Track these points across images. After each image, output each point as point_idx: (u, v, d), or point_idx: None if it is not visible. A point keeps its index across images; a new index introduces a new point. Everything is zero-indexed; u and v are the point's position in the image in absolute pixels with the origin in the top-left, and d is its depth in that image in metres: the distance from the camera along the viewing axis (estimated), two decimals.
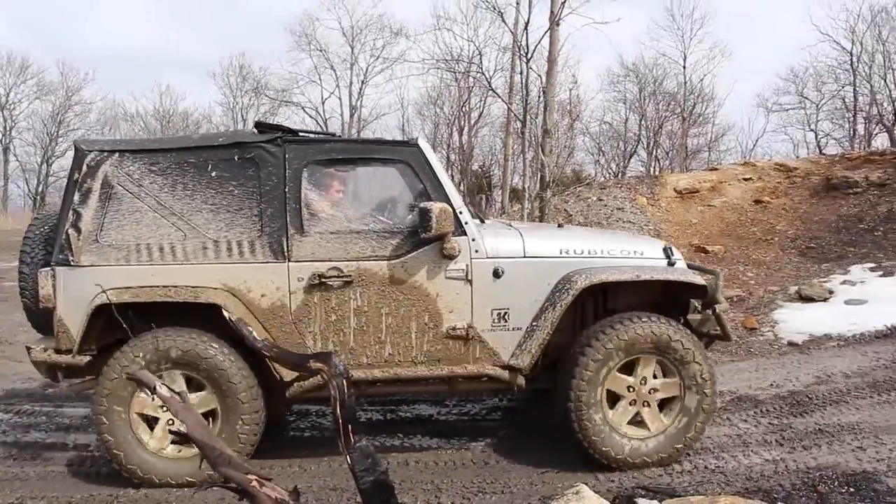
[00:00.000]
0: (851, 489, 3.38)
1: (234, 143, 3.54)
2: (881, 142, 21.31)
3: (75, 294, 3.39)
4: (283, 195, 3.47)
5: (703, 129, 26.14)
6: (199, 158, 3.51)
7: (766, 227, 11.05)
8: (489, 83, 13.95)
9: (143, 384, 2.49)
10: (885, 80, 21.86)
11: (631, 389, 3.64)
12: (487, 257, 3.56)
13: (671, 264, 3.83)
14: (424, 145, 3.59)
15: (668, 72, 26.06)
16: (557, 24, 9.35)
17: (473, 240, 3.55)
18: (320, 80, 26.71)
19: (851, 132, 23.14)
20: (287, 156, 3.50)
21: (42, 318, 3.58)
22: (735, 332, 7.08)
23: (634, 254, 3.82)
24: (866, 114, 22.53)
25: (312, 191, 3.57)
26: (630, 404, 3.65)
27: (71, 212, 3.44)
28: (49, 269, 3.45)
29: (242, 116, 29.75)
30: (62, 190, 3.74)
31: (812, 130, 24.15)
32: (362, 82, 27.05)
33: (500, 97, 14.92)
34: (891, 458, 3.81)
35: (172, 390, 2.52)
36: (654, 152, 26.46)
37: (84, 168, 3.48)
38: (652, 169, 25.05)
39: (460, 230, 3.53)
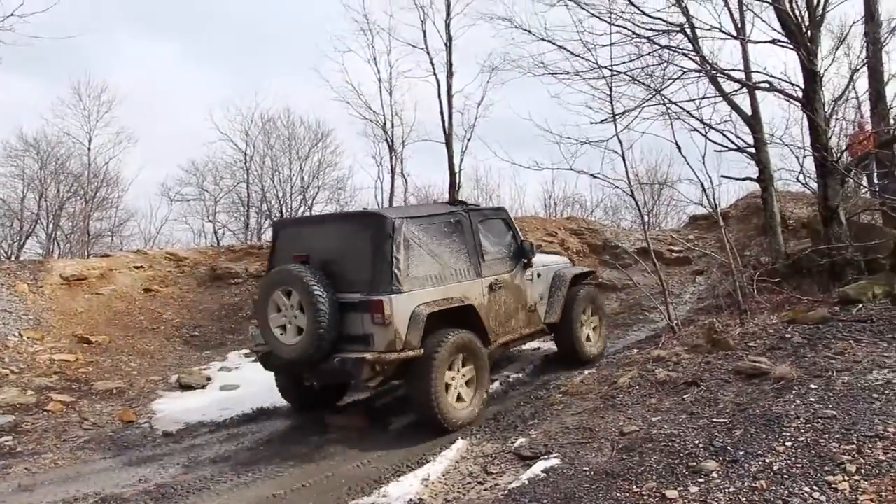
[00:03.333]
0: None
1: (450, 212, 7.33)
2: (270, 234, 25.58)
3: (403, 311, 6.38)
4: (473, 241, 7.40)
5: (107, 212, 26.51)
6: (439, 221, 7.13)
7: (154, 315, 11.86)
8: None
9: None
10: (272, 180, 26.62)
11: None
12: (534, 268, 8.25)
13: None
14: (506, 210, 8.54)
15: (72, 151, 25.77)
16: None
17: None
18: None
19: (245, 225, 27.01)
20: (471, 218, 7.48)
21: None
22: (111, 427, 7.44)
23: (567, 263, 9.41)
24: (258, 209, 26.81)
25: (482, 237, 7.57)
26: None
27: (392, 259, 6.45)
28: (387, 297, 6.31)
29: None
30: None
31: (210, 221, 27.14)
32: None
33: None
34: None
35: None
36: (55, 234, 25.20)
37: (393, 231, 6.53)
38: (51, 251, 23.89)
39: None
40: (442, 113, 15.19)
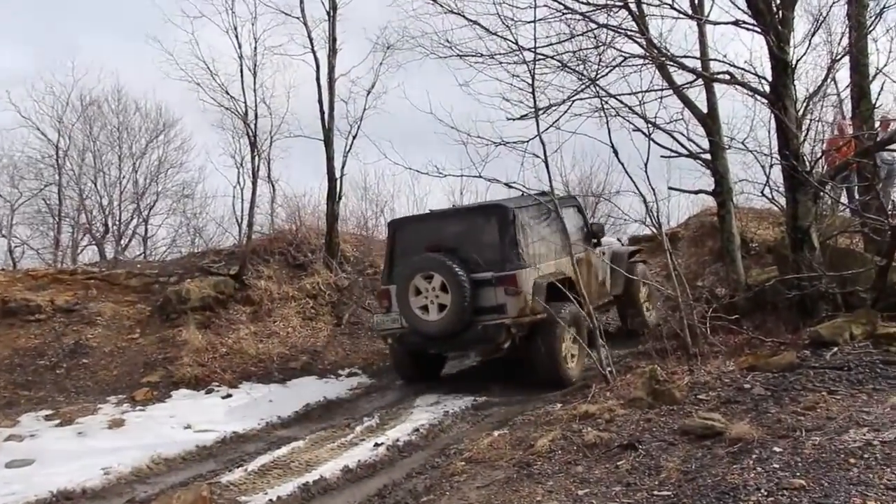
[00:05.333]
0: None
1: (547, 201, 10.26)
2: (91, 255, 24.41)
3: (528, 282, 9.57)
4: (561, 224, 10.21)
5: None
6: (540, 209, 10.47)
7: None
8: None
9: None
10: (95, 184, 25.43)
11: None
12: (602, 247, 11.93)
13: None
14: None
15: None
16: None
17: None
18: None
19: (55, 242, 25.63)
20: (558, 205, 10.05)
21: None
22: None
23: (617, 243, 13.65)
24: (73, 220, 25.52)
25: (566, 220, 10.41)
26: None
27: (516, 240, 9.77)
28: (517, 271, 9.58)
29: None
30: None
31: (4, 236, 25.50)
32: None
33: None
34: None
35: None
36: None
37: (513, 217, 9.85)
38: None
39: None
40: (321, 101, 14.95)
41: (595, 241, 11.75)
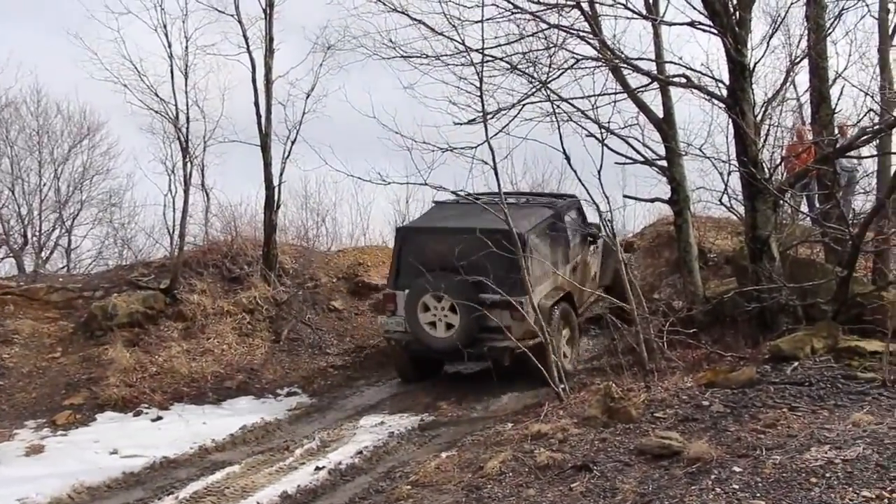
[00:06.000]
0: None
1: (553, 214, 11.81)
2: (8, 268, 23.85)
3: (532, 306, 9.89)
4: (565, 233, 11.90)
5: None
6: (548, 224, 11.62)
7: None
8: None
9: None
10: (13, 192, 24.85)
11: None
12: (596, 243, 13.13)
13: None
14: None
15: None
16: None
17: None
18: None
19: None
20: (564, 213, 12.19)
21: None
22: None
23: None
24: None
25: (567, 227, 12.07)
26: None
27: (525, 266, 9.85)
28: (524, 297, 9.81)
29: None
30: None
31: None
32: None
33: None
34: None
35: None
36: None
37: (525, 242, 10.25)
38: None
39: None
40: (257, 104, 14.72)
41: (590, 239, 12.71)
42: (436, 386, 11.13)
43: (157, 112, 15.06)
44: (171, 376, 11.93)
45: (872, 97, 9.54)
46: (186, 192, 15.00)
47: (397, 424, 9.43)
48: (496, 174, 9.28)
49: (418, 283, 10.49)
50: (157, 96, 14.89)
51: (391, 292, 11.10)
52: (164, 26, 14.85)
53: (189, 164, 14.99)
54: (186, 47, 14.88)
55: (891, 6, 10.06)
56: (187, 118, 14.75)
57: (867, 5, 9.92)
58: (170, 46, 14.90)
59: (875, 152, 10.39)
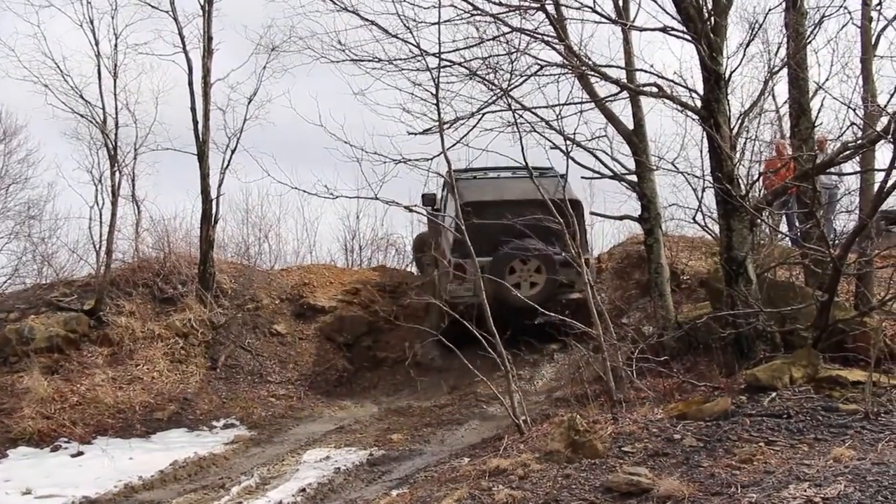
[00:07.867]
0: None
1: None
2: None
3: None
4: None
5: None
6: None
7: None
8: None
9: None
10: None
11: None
12: None
13: None
14: None
15: None
16: None
17: None
18: None
19: None
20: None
21: None
22: None
23: None
24: None
25: None
26: None
27: (584, 230, 13.37)
28: (588, 256, 12.70)
29: None
30: None
31: None
32: None
33: None
34: None
35: None
36: None
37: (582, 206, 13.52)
38: None
39: None
40: (194, 109, 14.68)
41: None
42: (387, 416, 11.06)
43: (82, 116, 14.99)
44: (95, 407, 11.79)
45: (855, 110, 9.52)
46: (114, 203, 14.89)
47: (344, 459, 9.37)
48: (453, 189, 9.28)
49: (503, 250, 12.65)
50: (83, 98, 14.83)
51: (462, 261, 12.05)
52: (91, 22, 14.86)
53: (118, 174, 14.88)
54: (116, 45, 14.89)
55: (874, 14, 10.20)
56: (116, 123, 14.69)
57: (849, 13, 9.89)
58: (97, 44, 14.87)
59: (857, 168, 10.50)
